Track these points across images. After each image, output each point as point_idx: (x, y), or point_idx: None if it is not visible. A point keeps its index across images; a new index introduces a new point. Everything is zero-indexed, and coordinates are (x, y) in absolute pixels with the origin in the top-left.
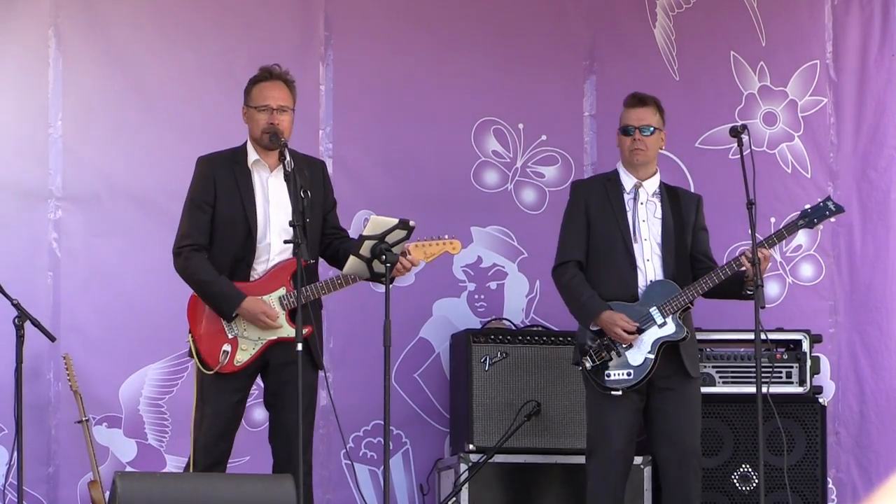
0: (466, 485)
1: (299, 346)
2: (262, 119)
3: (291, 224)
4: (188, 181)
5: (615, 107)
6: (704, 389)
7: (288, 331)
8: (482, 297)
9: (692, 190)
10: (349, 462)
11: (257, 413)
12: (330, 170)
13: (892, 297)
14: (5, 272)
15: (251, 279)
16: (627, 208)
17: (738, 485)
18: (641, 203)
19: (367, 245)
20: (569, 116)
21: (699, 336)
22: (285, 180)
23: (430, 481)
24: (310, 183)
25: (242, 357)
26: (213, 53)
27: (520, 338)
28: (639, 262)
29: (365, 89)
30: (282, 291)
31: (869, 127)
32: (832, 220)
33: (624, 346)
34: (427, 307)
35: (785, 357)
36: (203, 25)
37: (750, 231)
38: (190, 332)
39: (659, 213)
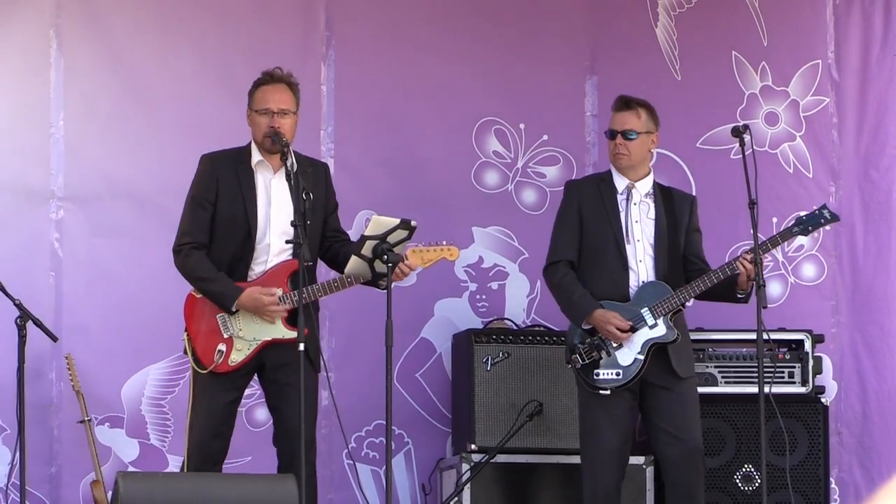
0: (468, 485)
1: (301, 346)
2: (264, 122)
3: (293, 224)
4: (190, 181)
5: None
6: (707, 389)
7: (283, 332)
8: (484, 297)
9: (693, 190)
10: (351, 462)
11: (259, 413)
12: (331, 170)
13: (894, 296)
14: (7, 272)
15: (249, 279)
16: (620, 209)
17: (740, 485)
18: (634, 204)
19: (369, 245)
20: (570, 116)
21: (701, 336)
22: (287, 181)
23: (433, 481)
24: (312, 185)
25: (237, 357)
26: (214, 54)
27: (521, 338)
28: (631, 263)
29: (366, 89)
30: (279, 293)
31: (871, 127)
32: (827, 227)
33: (615, 345)
34: (429, 307)
35: (787, 357)
36: (204, 25)
37: (752, 231)
38: (186, 330)
39: (652, 214)
